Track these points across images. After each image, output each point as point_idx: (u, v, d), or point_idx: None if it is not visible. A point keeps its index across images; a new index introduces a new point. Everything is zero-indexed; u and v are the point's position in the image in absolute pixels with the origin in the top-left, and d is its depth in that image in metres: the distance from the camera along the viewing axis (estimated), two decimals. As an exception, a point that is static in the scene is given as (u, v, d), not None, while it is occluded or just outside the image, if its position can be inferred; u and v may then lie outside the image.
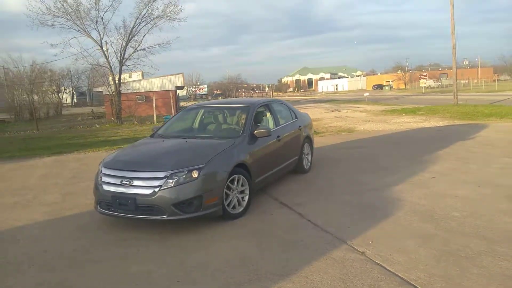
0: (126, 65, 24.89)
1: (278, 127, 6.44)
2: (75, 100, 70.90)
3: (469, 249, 3.96)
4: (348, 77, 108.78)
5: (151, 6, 23.77)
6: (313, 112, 23.23)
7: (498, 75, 77.62)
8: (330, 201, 5.82)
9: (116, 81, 24.69)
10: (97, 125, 23.74)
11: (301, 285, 3.42)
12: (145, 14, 23.91)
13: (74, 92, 70.43)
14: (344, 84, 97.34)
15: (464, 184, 6.28)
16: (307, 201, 5.79)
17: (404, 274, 3.51)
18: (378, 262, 3.78)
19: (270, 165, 6.00)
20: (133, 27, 24.03)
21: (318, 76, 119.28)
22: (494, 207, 5.15)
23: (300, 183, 6.87)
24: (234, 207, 5.08)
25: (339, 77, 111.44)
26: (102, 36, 23.99)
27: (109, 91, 25.60)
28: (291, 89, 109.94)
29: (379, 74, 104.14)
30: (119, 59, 24.39)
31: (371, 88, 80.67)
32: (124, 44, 24.14)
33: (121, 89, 25.16)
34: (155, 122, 23.64)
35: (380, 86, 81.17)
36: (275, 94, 79.17)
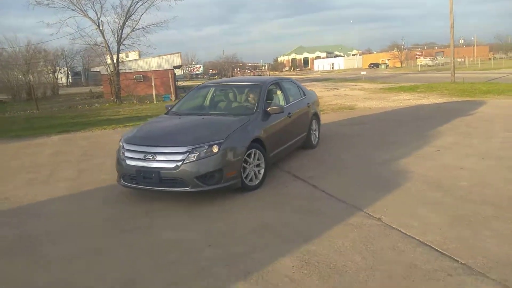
0: (124, 44, 24.76)
1: (289, 104, 6.62)
2: (70, 80, 70.19)
3: (478, 214, 4.21)
4: (344, 56, 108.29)
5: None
6: (312, 91, 23.31)
7: (493, 54, 77.61)
8: (340, 174, 6.05)
9: (115, 61, 24.55)
10: (96, 105, 23.71)
11: (325, 247, 3.66)
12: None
13: (69, 72, 69.63)
14: (340, 63, 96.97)
15: (468, 157, 6.53)
16: (318, 174, 6.01)
17: (420, 237, 3.76)
18: (394, 226, 4.03)
19: (282, 141, 6.20)
20: (130, 6, 23.80)
21: (314, 55, 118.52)
22: (499, 177, 5.41)
23: (310, 158, 7.09)
24: (251, 180, 5.31)
25: (335, 56, 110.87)
26: (99, 16, 23.75)
27: (107, 71, 25.45)
28: (287, 68, 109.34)
29: (375, 52, 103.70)
30: (116, 38, 24.23)
31: (367, 67, 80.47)
32: (121, 24, 23.96)
33: (119, 68, 25.05)
34: (155, 101, 23.70)
35: (376, 65, 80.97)
36: (271, 73, 78.75)
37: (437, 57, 73.82)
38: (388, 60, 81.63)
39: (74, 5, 22.88)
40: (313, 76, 58.89)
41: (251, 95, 6.31)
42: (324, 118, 11.73)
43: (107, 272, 3.44)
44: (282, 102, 6.56)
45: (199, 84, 7.45)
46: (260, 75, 64.80)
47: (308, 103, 7.46)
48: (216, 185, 4.84)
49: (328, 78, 45.63)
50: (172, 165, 4.75)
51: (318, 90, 25.50)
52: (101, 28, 24.22)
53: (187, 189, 4.75)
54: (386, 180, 5.61)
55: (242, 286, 3.10)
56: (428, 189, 5.10)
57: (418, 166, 6.14)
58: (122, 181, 5.17)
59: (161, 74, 31.02)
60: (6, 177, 6.90)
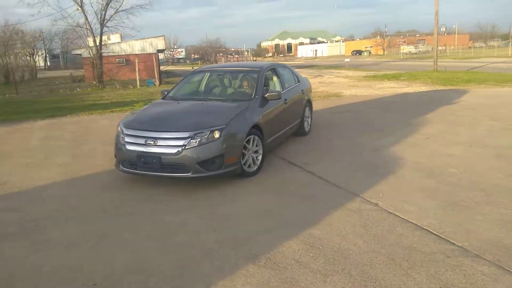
0: (107, 26, 24.22)
1: (285, 91, 6.68)
2: (48, 63, 68.34)
3: (470, 200, 4.42)
4: (327, 42, 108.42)
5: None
6: (298, 77, 23.38)
7: (473, 42, 79.08)
8: (335, 160, 6.20)
9: (97, 43, 24.02)
10: (78, 89, 23.26)
11: (327, 231, 3.80)
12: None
13: (47, 55, 67.73)
14: (324, 50, 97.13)
15: (456, 145, 6.76)
16: (313, 161, 6.14)
17: (417, 221, 3.94)
18: (391, 211, 4.19)
19: (278, 127, 6.29)
20: (114, -14, 23.19)
21: (297, 41, 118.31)
22: (486, 164, 5.65)
23: (303, 144, 7.21)
24: (249, 166, 5.39)
25: (318, 42, 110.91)
26: (82, -4, 23.07)
27: (90, 54, 24.89)
28: (270, 54, 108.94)
29: (357, 39, 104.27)
30: (99, 20, 23.66)
31: (350, 54, 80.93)
32: (104, 5, 23.39)
33: (102, 51, 24.54)
34: (138, 86, 23.39)
35: (359, 52, 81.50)
36: (255, 59, 78.31)
37: (419, 45, 74.68)
38: (371, 47, 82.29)
39: (55, -16, 22.14)
40: (297, 62, 58.88)
41: (248, 81, 6.35)
42: (313, 106, 11.87)
43: (115, 255, 3.49)
44: (278, 88, 6.63)
45: (195, 69, 7.43)
46: (243, 61, 64.37)
47: (302, 90, 7.55)
48: (217, 170, 4.91)
49: (312, 65, 45.75)
50: (173, 151, 4.78)
51: (303, 77, 25.67)
52: (83, 9, 23.61)
53: (189, 174, 4.81)
54: (379, 166, 5.78)
55: (252, 268, 3.20)
56: (420, 175, 5.29)
57: (409, 153, 6.33)
58: (121, 166, 5.18)
59: (145, 58, 30.50)
60: (-2, 162, 6.81)
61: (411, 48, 68.28)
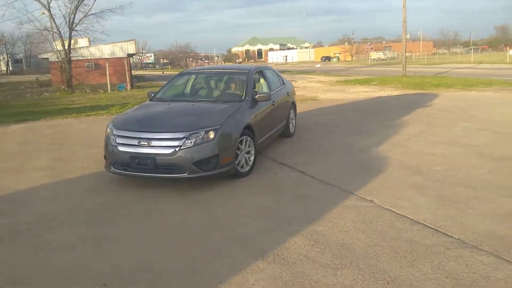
0: (76, 30, 23.61)
1: (272, 93, 6.74)
2: (11, 68, 65.79)
3: (459, 195, 4.59)
4: (297, 48, 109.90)
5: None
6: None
7: (436, 49, 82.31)
8: (324, 160, 6.29)
9: (66, 47, 23.36)
10: (46, 94, 22.53)
11: (329, 227, 3.86)
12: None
13: (9, 60, 65.22)
14: (294, 56, 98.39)
15: (437, 144, 7.01)
16: (302, 161, 6.21)
17: (413, 216, 4.06)
18: (387, 207, 4.30)
19: (267, 128, 6.33)
20: (83, -11, 22.66)
21: (267, 47, 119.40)
22: (468, 162, 5.89)
23: (290, 145, 7.28)
24: (242, 167, 5.39)
25: (288, 48, 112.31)
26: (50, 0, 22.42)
27: (58, 58, 24.16)
28: (240, 60, 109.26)
29: (326, 46, 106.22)
30: (68, 24, 23.04)
31: (320, 60, 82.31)
32: (73, 8, 22.79)
33: (71, 55, 23.89)
34: (109, 91, 22.92)
35: (328, 58, 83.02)
36: (225, 63, 78.25)
37: (386, 51, 76.93)
38: (339, 53, 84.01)
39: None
40: (268, 67, 59.12)
41: (236, 83, 6.36)
42: (293, 108, 12.02)
43: (119, 256, 3.41)
44: (266, 90, 6.67)
45: (182, 71, 7.37)
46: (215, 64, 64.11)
47: (287, 92, 7.64)
48: (213, 171, 4.88)
49: (284, 70, 46.03)
50: (169, 151, 4.72)
51: (277, 82, 25.90)
52: (51, 12, 22.94)
53: (184, 175, 4.76)
54: (368, 165, 5.91)
55: (261, 264, 3.21)
56: (408, 173, 5.45)
57: (394, 153, 6.51)
58: (112, 168, 5.06)
59: (115, 62, 29.92)
60: (-26, 167, 6.49)
61: (380, 54, 70.30)
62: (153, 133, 4.85)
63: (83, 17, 23.32)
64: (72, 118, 11.51)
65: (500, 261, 3.18)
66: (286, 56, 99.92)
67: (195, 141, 4.78)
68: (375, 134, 8.02)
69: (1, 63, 61.06)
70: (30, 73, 50.05)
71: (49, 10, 22.72)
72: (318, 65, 42.16)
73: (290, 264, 3.20)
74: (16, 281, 3.09)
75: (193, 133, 4.80)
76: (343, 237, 3.64)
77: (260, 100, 5.98)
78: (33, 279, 3.11)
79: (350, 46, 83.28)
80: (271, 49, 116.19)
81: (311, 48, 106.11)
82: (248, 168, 5.49)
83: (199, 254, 3.40)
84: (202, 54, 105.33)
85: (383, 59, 66.87)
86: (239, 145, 5.27)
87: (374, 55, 68.14)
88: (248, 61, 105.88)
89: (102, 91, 22.64)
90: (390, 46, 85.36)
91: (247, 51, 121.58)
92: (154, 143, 4.80)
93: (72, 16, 23.00)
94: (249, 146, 5.49)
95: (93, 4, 23.30)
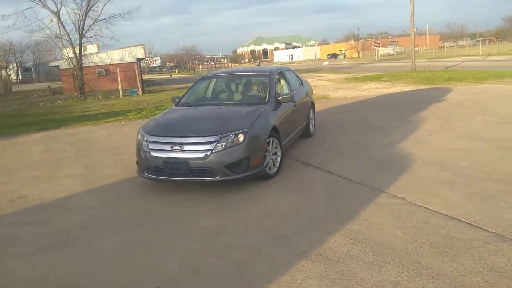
0: (86, 36, 23.91)
1: (294, 93, 6.82)
2: (20, 77, 66.57)
3: (489, 189, 4.64)
4: (302, 46, 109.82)
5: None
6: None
7: (443, 42, 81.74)
8: (347, 159, 6.36)
9: (77, 54, 23.65)
10: (59, 101, 22.83)
11: (365, 225, 3.94)
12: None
13: (19, 68, 65.96)
14: (299, 54, 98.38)
15: (458, 139, 7.04)
16: (326, 160, 6.29)
17: (447, 211, 4.12)
18: (420, 204, 4.37)
19: (291, 129, 6.42)
20: (92, -4, 22.94)
21: (273, 46, 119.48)
22: (492, 156, 5.92)
23: (311, 145, 7.37)
24: (270, 168, 5.49)
25: (293, 47, 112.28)
26: (59, 7, 22.75)
27: (70, 65, 24.47)
28: (246, 60, 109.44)
29: (332, 43, 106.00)
30: (78, 30, 23.33)
31: (326, 57, 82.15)
32: (82, 15, 23.09)
33: (82, 62, 24.19)
34: (121, 96, 23.15)
35: (334, 55, 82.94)
36: (233, 65, 78.45)
37: (392, 46, 76.61)
38: (345, 50, 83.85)
39: (32, -6, 21.72)
40: (275, 67, 59.18)
41: (259, 85, 6.46)
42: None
43: (166, 259, 3.53)
44: (286, 91, 6.76)
45: (204, 75, 7.49)
46: (227, 67, 64.41)
47: (306, 92, 7.73)
48: (243, 173, 4.99)
49: (290, 69, 46.15)
50: (201, 155, 4.84)
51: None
52: (61, 20, 23.25)
53: (217, 178, 4.87)
54: (392, 162, 5.98)
55: (305, 263, 3.30)
56: (435, 169, 5.50)
57: (416, 149, 6.56)
58: (145, 173, 5.19)
59: (125, 67, 30.19)
60: (6, 176, 6.67)
61: (389, 50, 70.14)
62: (185, 138, 4.98)
63: (93, 23, 23.65)
64: (92, 125, 11.70)
65: (540, 254, 3.24)
66: (291, 55, 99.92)
67: (225, 145, 4.89)
68: (393, 131, 8.06)
69: (11, 72, 61.78)
70: (40, 81, 50.70)
71: (59, 18, 23.02)
72: (326, 63, 42.09)
73: (333, 263, 3.29)
74: (74, 285, 3.21)
75: (223, 137, 4.91)
76: (381, 235, 3.72)
77: (284, 102, 6.08)
78: (91, 284, 3.23)
79: (356, 42, 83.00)
80: (277, 48, 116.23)
81: (317, 46, 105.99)
82: (275, 169, 5.59)
83: (242, 255, 3.51)
84: (208, 56, 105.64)
85: (392, 54, 66.67)
86: (267, 147, 5.37)
87: (383, 50, 67.96)
88: (253, 61, 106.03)
89: (114, 97, 22.89)
90: (396, 41, 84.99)
91: (252, 51, 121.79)
92: (186, 147, 4.92)
93: (81, 22, 23.33)
94: (275, 148, 5.59)
95: (102, 9, 23.59)
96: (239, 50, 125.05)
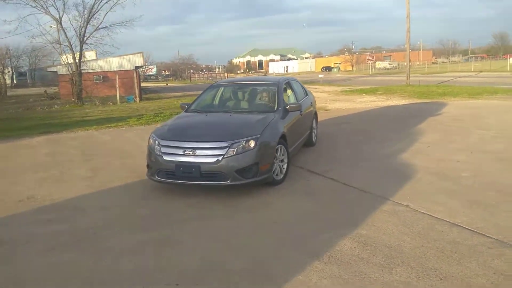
0: (87, 43, 24.08)
1: (300, 102, 7.01)
2: (15, 81, 66.27)
3: (490, 199, 4.83)
4: (297, 59, 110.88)
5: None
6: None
7: (435, 58, 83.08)
8: (350, 167, 6.54)
9: (77, 60, 23.77)
10: (56, 106, 22.86)
11: (373, 231, 4.10)
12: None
13: (14, 73, 65.70)
14: (294, 66, 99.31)
15: (458, 151, 7.26)
16: (331, 169, 6.46)
17: (450, 219, 4.30)
18: (424, 212, 4.54)
19: (297, 137, 6.61)
20: (94, 4, 23.19)
21: (268, 58, 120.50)
22: (492, 167, 6.14)
23: (315, 154, 7.54)
24: (277, 174, 5.65)
25: (289, 59, 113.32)
26: (61, 14, 22.93)
27: (69, 70, 24.57)
28: (241, 71, 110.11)
29: (326, 56, 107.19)
30: (79, 37, 23.49)
31: (320, 70, 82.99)
32: (83, 22, 23.28)
33: (81, 68, 24.30)
34: (118, 103, 23.26)
35: (328, 68, 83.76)
36: (229, 75, 78.87)
37: (388, 60, 77.73)
38: (340, 63, 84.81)
39: (35, 1, 21.89)
40: (270, 78, 59.63)
41: (267, 94, 6.65)
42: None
43: (185, 258, 3.65)
44: (293, 101, 6.96)
45: (213, 83, 7.67)
46: (223, 77, 64.73)
47: (311, 102, 7.94)
48: (253, 178, 5.14)
49: (286, 80, 46.56)
50: (213, 160, 4.99)
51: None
52: (62, 26, 23.41)
53: (227, 182, 5.01)
54: (395, 172, 6.17)
55: (319, 265, 3.44)
56: (437, 179, 5.70)
57: (418, 160, 6.76)
58: (156, 176, 5.32)
59: (123, 74, 30.32)
60: (14, 177, 6.74)
61: (385, 64, 71.46)
62: (198, 143, 5.12)
63: (94, 31, 23.85)
64: (93, 130, 11.79)
65: (541, 259, 3.41)
66: (287, 67, 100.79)
67: (237, 150, 5.05)
68: (394, 142, 8.28)
69: (6, 76, 61.54)
70: (34, 86, 50.49)
71: (60, 24, 23.18)
72: (321, 75, 42.61)
73: (345, 264, 3.43)
74: (93, 285, 3.31)
75: (235, 142, 5.07)
76: (389, 240, 3.88)
77: (291, 110, 6.27)
78: (108, 282, 3.34)
79: (350, 56, 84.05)
80: (272, 60, 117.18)
81: (311, 58, 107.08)
82: (282, 176, 5.75)
83: (258, 256, 3.64)
84: (203, 66, 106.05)
85: (388, 68, 67.79)
86: (275, 154, 5.53)
87: (379, 64, 69.33)
88: (249, 72, 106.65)
89: (111, 103, 22.99)
90: (390, 55, 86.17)
91: (248, 62, 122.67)
92: (198, 152, 5.07)
93: (83, 29, 23.51)
94: (283, 155, 5.76)
95: (103, 18, 23.80)
96: (235, 61, 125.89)
